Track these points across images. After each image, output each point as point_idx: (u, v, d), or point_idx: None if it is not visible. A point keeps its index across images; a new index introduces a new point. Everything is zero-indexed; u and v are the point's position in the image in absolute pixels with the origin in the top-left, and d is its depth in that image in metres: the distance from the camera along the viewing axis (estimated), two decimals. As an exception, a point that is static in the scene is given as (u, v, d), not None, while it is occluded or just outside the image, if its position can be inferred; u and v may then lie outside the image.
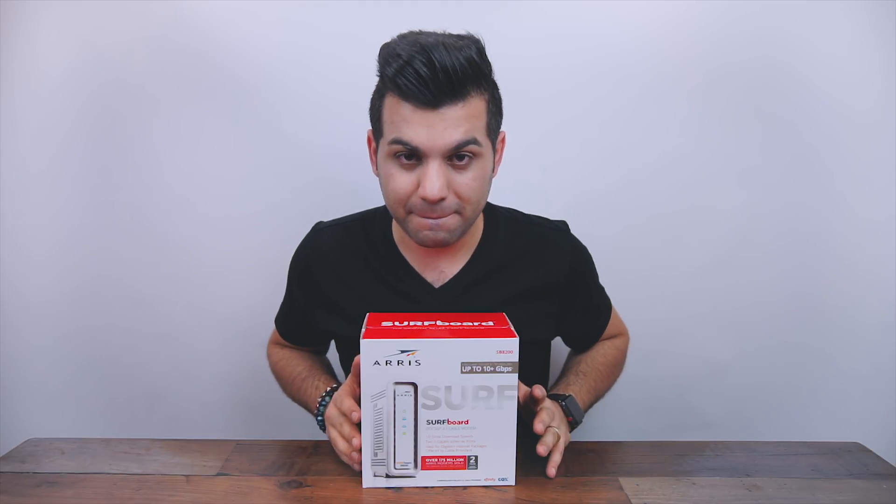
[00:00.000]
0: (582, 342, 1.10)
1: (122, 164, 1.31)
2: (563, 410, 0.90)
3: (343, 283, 0.98)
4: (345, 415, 0.82)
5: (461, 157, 0.82)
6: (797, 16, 1.24)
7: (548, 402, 0.87)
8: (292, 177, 1.32)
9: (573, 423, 0.91)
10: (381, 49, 0.82)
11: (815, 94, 1.27)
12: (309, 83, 1.28)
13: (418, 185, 0.82)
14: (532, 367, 0.97)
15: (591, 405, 1.00)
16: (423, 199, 0.81)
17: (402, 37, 0.81)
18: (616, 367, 1.09)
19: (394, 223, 0.97)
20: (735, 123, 1.28)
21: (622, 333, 1.14)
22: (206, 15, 1.26)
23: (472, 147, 0.81)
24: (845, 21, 1.24)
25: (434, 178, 0.80)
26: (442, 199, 0.82)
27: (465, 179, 0.83)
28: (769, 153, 1.29)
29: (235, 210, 1.33)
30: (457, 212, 0.85)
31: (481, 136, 0.82)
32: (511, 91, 1.03)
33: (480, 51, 0.81)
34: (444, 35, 0.81)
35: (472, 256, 0.96)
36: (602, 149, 1.30)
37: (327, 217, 1.18)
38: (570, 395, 0.92)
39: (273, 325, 1.14)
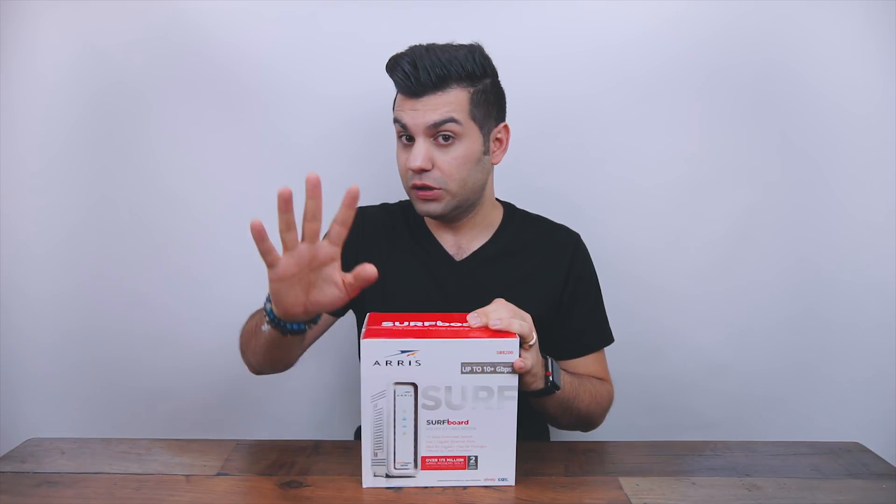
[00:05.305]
0: (565, 352, 1.05)
1: (121, 164, 1.30)
2: (544, 362, 0.87)
3: (380, 254, 1.06)
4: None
5: (446, 138, 0.95)
6: (798, 16, 1.24)
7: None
8: (292, 177, 1.31)
9: (548, 382, 0.87)
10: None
11: (815, 94, 1.26)
12: (309, 84, 1.28)
13: None
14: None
15: (562, 399, 0.92)
16: (410, 168, 0.96)
17: (409, 47, 0.98)
18: (596, 404, 1.01)
19: None
20: (735, 123, 1.28)
21: (608, 382, 1.07)
22: (206, 15, 1.26)
23: (449, 126, 0.94)
24: (846, 21, 1.24)
25: (417, 152, 0.95)
26: (424, 170, 0.96)
27: (448, 157, 0.96)
28: (769, 153, 1.29)
29: (235, 210, 1.32)
30: (443, 188, 0.97)
31: (461, 119, 0.95)
32: (512, 91, 1.04)
33: (472, 54, 0.96)
34: (445, 43, 0.97)
35: (489, 240, 1.07)
36: (602, 149, 1.30)
37: (327, 217, 1.18)
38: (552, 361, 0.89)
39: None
